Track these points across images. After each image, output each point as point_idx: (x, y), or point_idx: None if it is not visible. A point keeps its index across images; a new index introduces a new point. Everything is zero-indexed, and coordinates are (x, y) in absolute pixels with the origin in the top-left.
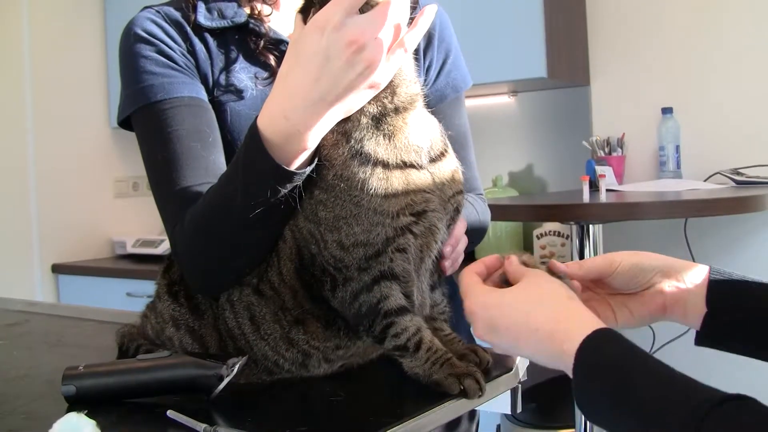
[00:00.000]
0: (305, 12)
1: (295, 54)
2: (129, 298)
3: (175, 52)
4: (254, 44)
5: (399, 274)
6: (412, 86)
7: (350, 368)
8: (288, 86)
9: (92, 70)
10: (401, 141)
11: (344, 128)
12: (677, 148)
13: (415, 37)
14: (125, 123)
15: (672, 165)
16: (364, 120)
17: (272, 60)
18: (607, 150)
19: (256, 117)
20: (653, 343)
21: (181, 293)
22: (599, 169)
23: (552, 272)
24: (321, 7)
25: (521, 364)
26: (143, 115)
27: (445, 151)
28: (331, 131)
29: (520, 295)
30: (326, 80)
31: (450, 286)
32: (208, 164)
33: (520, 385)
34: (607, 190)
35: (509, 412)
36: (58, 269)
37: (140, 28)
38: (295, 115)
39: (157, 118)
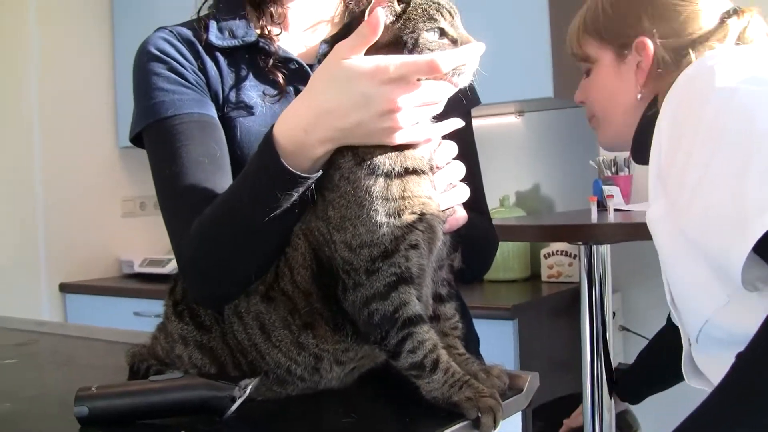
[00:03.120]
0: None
1: (336, 78)
2: (136, 318)
3: (186, 69)
4: (263, 62)
5: (415, 274)
6: None
7: (363, 375)
8: (317, 105)
9: (101, 90)
10: (407, 152)
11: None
12: None
13: (441, 131)
14: (137, 140)
15: None
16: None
17: (280, 78)
18: (614, 170)
19: (272, 126)
20: None
21: (186, 312)
22: (607, 189)
23: None
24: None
25: (531, 386)
26: (154, 130)
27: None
28: None
29: None
30: (354, 119)
31: (459, 303)
32: (216, 180)
33: (530, 407)
34: (615, 210)
35: None
36: (65, 288)
37: (153, 47)
38: (314, 133)
39: (167, 133)
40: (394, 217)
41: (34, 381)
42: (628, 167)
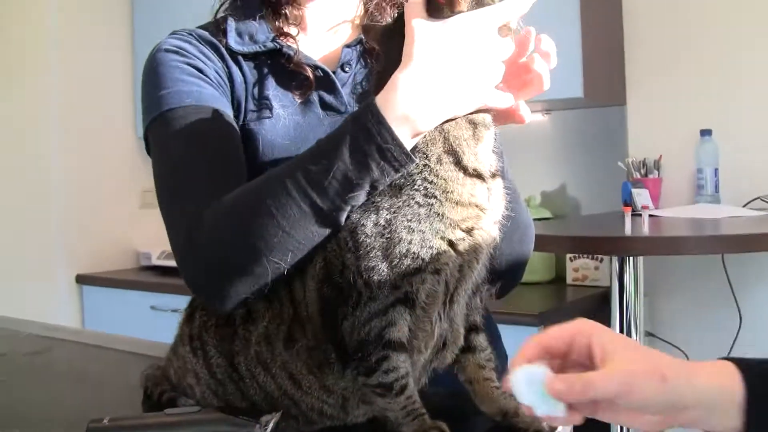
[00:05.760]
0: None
1: (438, 41)
2: (153, 312)
3: (207, 66)
4: (286, 69)
5: (420, 300)
6: None
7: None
8: (421, 68)
9: (119, 79)
10: (481, 149)
11: (444, 126)
12: (716, 171)
13: (512, 100)
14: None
15: (710, 188)
16: (464, 122)
17: (305, 86)
18: (643, 172)
19: (372, 98)
20: None
21: (200, 353)
22: (636, 193)
23: None
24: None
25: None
26: (165, 119)
27: (498, 172)
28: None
29: None
30: (462, 71)
31: (489, 333)
32: (238, 168)
33: None
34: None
35: None
36: (82, 280)
37: (169, 45)
38: (422, 98)
39: (183, 120)
40: (452, 229)
41: (44, 403)
42: (658, 169)
